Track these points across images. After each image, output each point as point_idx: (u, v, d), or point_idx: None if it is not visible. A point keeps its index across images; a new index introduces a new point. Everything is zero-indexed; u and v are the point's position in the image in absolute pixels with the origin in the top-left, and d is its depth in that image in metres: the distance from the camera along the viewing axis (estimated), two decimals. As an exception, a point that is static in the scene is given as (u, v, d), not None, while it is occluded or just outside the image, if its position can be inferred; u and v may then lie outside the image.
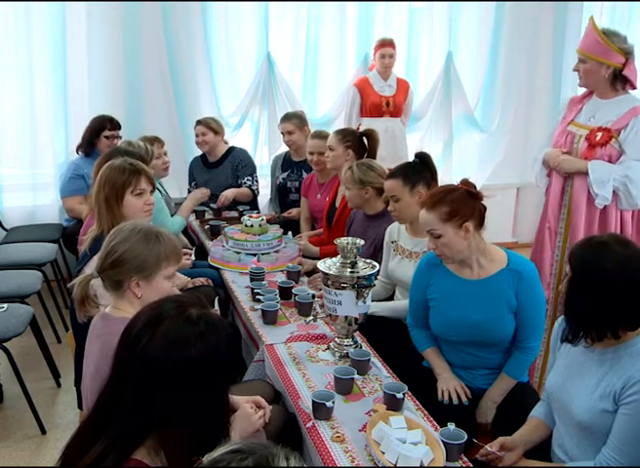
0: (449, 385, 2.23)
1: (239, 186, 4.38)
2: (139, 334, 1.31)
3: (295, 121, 4.27)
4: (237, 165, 4.44)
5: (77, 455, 1.29)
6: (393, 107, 4.94)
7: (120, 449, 1.26)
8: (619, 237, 1.82)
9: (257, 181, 4.47)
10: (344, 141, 3.59)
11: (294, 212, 4.29)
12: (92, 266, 2.06)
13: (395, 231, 2.86)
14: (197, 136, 4.43)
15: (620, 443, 1.68)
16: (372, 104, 4.91)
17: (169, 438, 1.28)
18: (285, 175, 4.45)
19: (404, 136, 5.04)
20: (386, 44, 4.86)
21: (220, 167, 4.47)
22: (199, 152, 4.64)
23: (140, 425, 1.27)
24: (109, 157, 2.83)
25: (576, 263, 1.75)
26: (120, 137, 4.30)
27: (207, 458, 1.00)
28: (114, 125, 4.28)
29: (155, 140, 3.94)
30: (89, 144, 4.26)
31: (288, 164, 4.44)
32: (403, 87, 5.00)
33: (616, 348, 1.74)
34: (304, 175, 4.33)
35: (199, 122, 4.42)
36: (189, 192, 4.59)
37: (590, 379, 1.78)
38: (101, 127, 4.24)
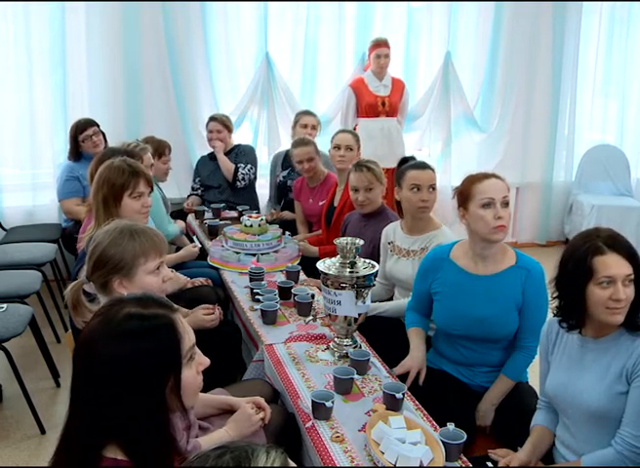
0: (412, 364, 2.25)
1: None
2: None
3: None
4: (238, 153, 4.46)
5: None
6: (389, 107, 4.93)
7: (87, 442, 1.21)
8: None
9: (252, 173, 4.42)
10: (357, 143, 3.71)
11: (284, 213, 4.31)
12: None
13: (391, 232, 2.87)
14: (211, 131, 4.41)
15: (636, 415, 1.69)
16: (367, 104, 4.90)
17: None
18: (285, 173, 4.45)
19: (401, 136, 5.04)
20: (381, 44, 4.85)
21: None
22: (203, 152, 4.65)
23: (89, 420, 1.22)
24: (107, 157, 2.79)
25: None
26: (102, 133, 4.24)
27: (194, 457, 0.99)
28: (81, 127, 4.15)
29: (165, 146, 3.92)
30: (75, 151, 4.22)
31: (288, 162, 4.42)
32: (398, 86, 4.99)
33: (620, 332, 1.77)
34: (303, 174, 4.33)
35: (214, 118, 4.41)
36: (192, 189, 4.59)
37: (597, 368, 1.80)
38: (74, 134, 4.17)
